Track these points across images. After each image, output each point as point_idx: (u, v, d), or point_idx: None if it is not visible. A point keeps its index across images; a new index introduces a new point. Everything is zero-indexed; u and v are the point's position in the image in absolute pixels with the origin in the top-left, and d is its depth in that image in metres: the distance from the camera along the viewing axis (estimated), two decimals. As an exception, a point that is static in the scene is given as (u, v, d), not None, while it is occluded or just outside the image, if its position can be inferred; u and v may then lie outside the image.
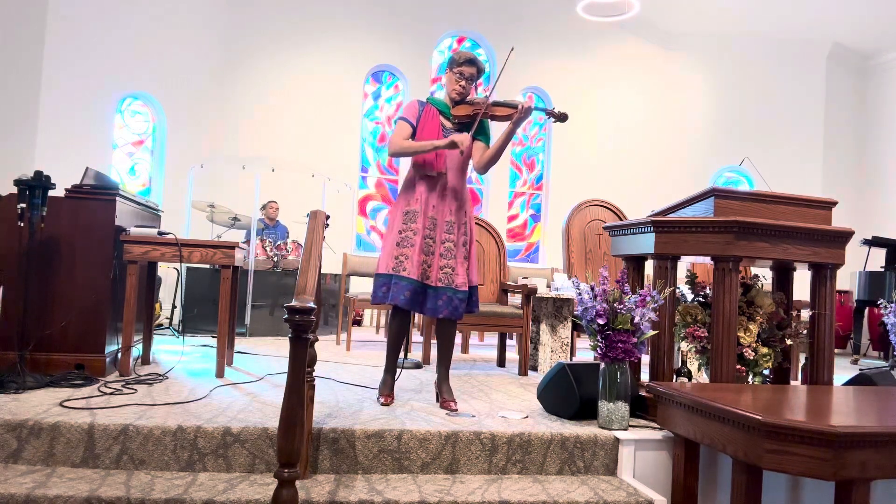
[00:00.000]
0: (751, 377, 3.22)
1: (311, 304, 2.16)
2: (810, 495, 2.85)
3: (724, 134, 9.64)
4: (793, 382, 3.78)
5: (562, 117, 3.13)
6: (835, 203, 3.27)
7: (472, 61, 3.25)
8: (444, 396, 3.21)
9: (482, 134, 3.31)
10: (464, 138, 3.10)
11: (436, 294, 3.14)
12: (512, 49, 3.75)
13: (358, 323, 8.18)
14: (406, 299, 3.09)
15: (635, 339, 2.88)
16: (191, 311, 6.10)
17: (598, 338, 2.91)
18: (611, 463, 2.78)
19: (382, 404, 3.15)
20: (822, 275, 3.21)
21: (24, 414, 2.57)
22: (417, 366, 4.61)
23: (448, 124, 3.28)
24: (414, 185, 3.26)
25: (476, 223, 5.05)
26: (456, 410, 3.09)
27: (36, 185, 3.22)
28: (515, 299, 4.91)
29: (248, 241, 6.83)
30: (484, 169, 3.29)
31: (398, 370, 3.44)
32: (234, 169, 7.40)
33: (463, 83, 3.25)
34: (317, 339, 2.68)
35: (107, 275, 3.50)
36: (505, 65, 3.49)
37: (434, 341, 4.86)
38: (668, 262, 3.09)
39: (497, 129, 3.08)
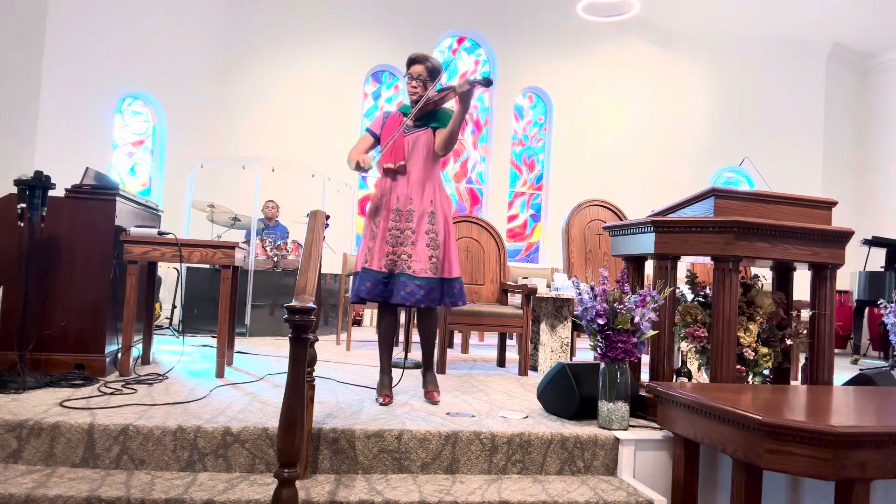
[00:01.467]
0: (751, 377, 3.22)
1: (311, 304, 2.16)
2: (810, 495, 2.85)
3: (724, 134, 9.64)
4: (793, 382, 3.78)
5: (486, 83, 3.11)
6: (835, 203, 3.28)
7: (414, 60, 3.34)
8: (428, 388, 3.32)
9: (437, 121, 3.34)
10: (362, 159, 3.20)
11: (395, 281, 3.21)
12: (454, 58, 3.79)
13: (358, 323, 8.18)
14: (367, 290, 3.20)
15: (635, 339, 2.88)
16: (191, 311, 6.10)
17: (598, 338, 2.91)
18: (611, 463, 2.78)
19: (381, 404, 3.16)
20: (822, 275, 3.21)
21: (24, 414, 2.57)
22: (417, 366, 4.60)
23: (410, 122, 3.34)
24: (381, 182, 3.37)
25: (476, 223, 5.06)
26: (438, 402, 3.20)
27: (36, 185, 3.22)
28: (515, 299, 4.91)
29: (248, 241, 6.83)
30: (442, 150, 3.31)
31: (402, 371, 3.48)
32: (234, 169, 7.41)
33: (414, 83, 3.33)
34: (317, 339, 2.68)
35: (107, 275, 3.50)
36: (446, 70, 3.43)
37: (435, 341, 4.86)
38: (668, 262, 3.09)
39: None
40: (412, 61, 3.34)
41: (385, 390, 3.26)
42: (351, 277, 3.41)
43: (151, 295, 4.24)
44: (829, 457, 2.10)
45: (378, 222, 3.28)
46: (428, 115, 3.32)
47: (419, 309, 3.33)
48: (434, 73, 3.33)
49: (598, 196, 5.51)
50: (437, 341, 3.50)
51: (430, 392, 3.29)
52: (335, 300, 6.75)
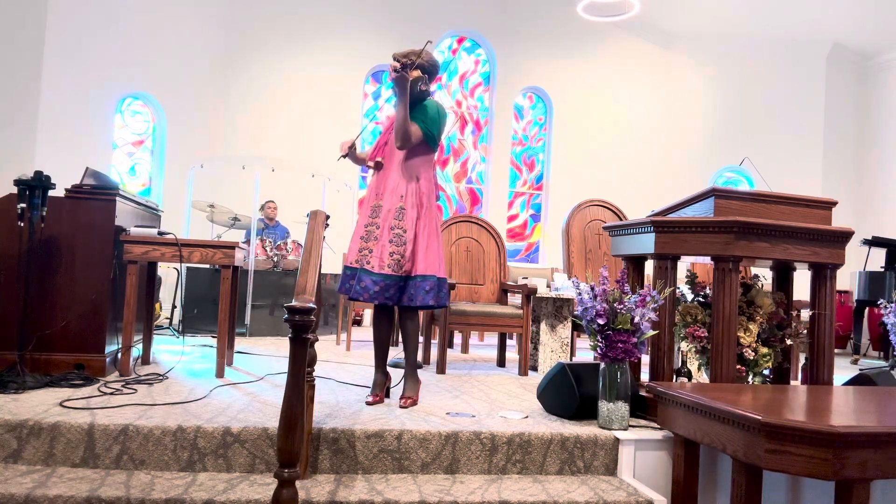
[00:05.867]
0: (751, 377, 3.22)
1: (311, 304, 2.16)
2: (810, 495, 2.85)
3: (724, 134, 9.63)
4: (793, 382, 3.78)
5: (404, 68, 3.11)
6: (835, 203, 3.28)
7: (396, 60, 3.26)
8: (404, 393, 3.21)
9: (412, 117, 3.26)
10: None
11: (356, 275, 3.19)
12: (429, 41, 3.59)
13: (358, 323, 8.18)
14: (340, 284, 3.27)
15: (635, 339, 2.88)
16: (191, 311, 6.09)
17: (598, 338, 2.91)
18: (611, 463, 2.78)
19: (367, 403, 3.14)
20: (822, 275, 3.21)
21: (24, 414, 2.57)
22: (417, 366, 4.60)
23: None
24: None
25: (476, 223, 5.06)
26: (408, 406, 3.10)
27: (36, 185, 3.22)
28: (515, 299, 4.91)
29: (248, 241, 6.82)
30: (397, 141, 3.22)
31: (402, 372, 3.48)
32: (234, 169, 7.40)
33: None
34: (317, 339, 2.68)
35: (107, 275, 3.50)
36: (420, 54, 3.30)
37: (435, 341, 4.86)
38: (668, 262, 3.09)
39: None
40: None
41: (376, 390, 3.25)
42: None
43: (151, 295, 4.24)
44: (829, 457, 2.10)
45: (359, 220, 3.33)
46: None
47: (400, 310, 3.26)
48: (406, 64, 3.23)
49: (598, 196, 5.51)
50: (418, 344, 3.38)
51: (405, 398, 3.16)
52: (335, 300, 6.74)
